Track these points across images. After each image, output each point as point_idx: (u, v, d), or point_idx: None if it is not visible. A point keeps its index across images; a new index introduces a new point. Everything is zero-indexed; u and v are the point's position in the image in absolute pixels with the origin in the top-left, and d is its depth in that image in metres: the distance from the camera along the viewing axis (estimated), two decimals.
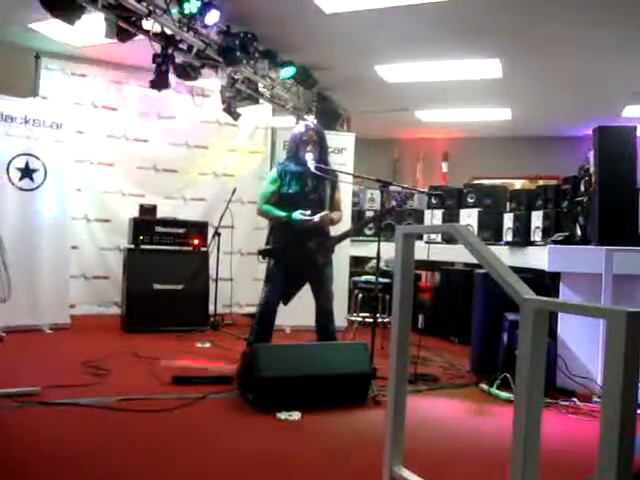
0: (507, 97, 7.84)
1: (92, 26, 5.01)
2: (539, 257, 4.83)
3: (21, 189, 5.86)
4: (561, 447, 3.19)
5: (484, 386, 4.39)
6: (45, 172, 5.98)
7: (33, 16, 5.45)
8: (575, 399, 4.07)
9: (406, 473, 2.29)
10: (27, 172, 5.88)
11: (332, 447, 3.11)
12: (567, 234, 4.82)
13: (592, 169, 4.54)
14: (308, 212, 4.19)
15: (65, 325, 6.08)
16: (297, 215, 4.17)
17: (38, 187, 5.96)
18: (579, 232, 4.71)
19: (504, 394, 4.14)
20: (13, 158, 5.81)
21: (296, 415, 3.52)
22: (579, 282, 4.44)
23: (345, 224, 5.13)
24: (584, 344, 4.36)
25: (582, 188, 4.88)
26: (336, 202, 4.50)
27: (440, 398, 4.23)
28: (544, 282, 4.75)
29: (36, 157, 5.94)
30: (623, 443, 1.37)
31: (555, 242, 4.76)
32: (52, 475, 2.55)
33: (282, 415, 3.50)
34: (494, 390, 4.25)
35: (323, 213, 4.24)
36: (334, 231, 4.54)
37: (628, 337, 1.36)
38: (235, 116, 6.69)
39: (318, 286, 4.39)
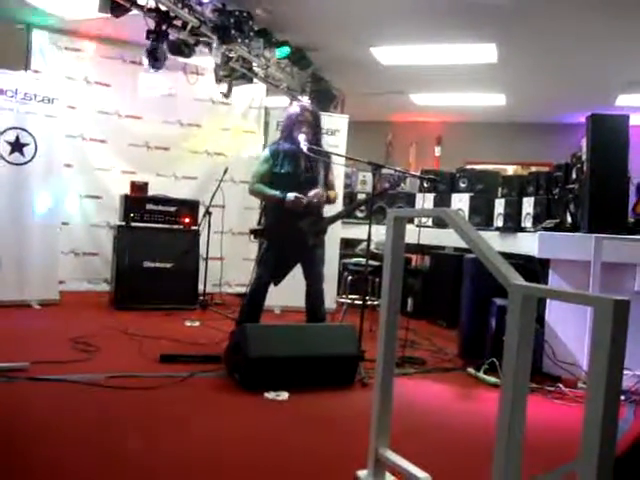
0: (502, 83, 7.83)
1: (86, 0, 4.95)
2: (529, 243, 4.85)
3: (11, 163, 5.81)
4: (546, 432, 3.22)
5: (471, 370, 4.43)
6: (36, 147, 5.93)
7: None
8: (561, 385, 4.11)
9: (392, 455, 2.31)
10: (17, 146, 5.83)
11: (319, 428, 3.14)
12: (557, 221, 4.85)
13: (584, 157, 4.55)
14: (301, 196, 4.17)
15: (54, 301, 6.07)
16: (291, 195, 4.15)
17: (28, 162, 5.91)
18: (569, 219, 4.74)
19: (491, 378, 4.18)
20: (3, 131, 5.76)
21: (284, 395, 3.54)
22: (568, 269, 4.47)
23: (337, 206, 5.12)
24: (571, 330, 4.40)
25: (574, 175, 4.89)
26: (330, 183, 4.49)
27: (427, 381, 4.26)
28: (533, 268, 4.78)
29: (27, 131, 5.89)
30: (606, 428, 1.39)
31: (545, 229, 4.78)
32: (39, 450, 2.56)
33: (269, 395, 3.52)
34: (481, 375, 4.29)
35: (316, 190, 4.23)
36: (326, 213, 4.53)
37: (614, 325, 1.38)
38: (227, 95, 6.65)
39: (309, 267, 4.39)
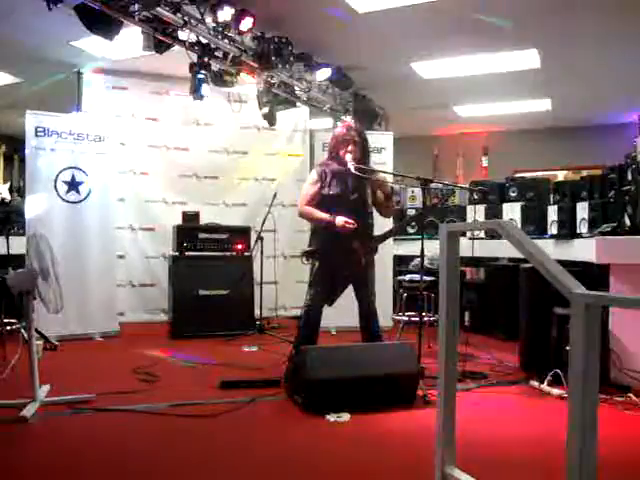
0: (546, 87, 7.70)
1: (130, 39, 5.11)
2: (586, 249, 4.72)
3: (68, 202, 6.01)
4: (619, 445, 3.11)
5: (534, 383, 4.32)
6: (90, 184, 6.12)
7: (73, 34, 5.59)
8: (631, 394, 3.97)
9: (458, 473, 2.27)
10: (73, 185, 6.04)
11: (382, 448, 3.10)
12: (615, 225, 4.71)
13: (639, 157, 4.43)
14: (351, 221, 4.15)
15: (115, 333, 6.22)
16: (340, 220, 4.14)
17: (84, 199, 6.11)
18: (628, 222, 4.60)
19: (555, 390, 4.07)
20: (60, 172, 5.97)
21: (345, 417, 3.52)
22: (630, 273, 4.33)
23: (387, 223, 5.09)
24: (638, 337, 4.25)
25: (629, 176, 4.76)
26: (381, 183, 4.41)
27: (490, 396, 4.17)
28: (592, 275, 4.65)
29: (81, 170, 6.09)
30: None
31: (603, 233, 4.65)
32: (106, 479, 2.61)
33: (331, 417, 3.51)
34: (545, 387, 4.18)
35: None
36: (377, 230, 4.50)
37: None
38: (272, 121, 6.74)
39: (361, 287, 4.36)
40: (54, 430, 3.28)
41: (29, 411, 3.38)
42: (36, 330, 4.28)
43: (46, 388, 3.81)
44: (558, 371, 4.12)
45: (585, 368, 1.64)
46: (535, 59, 6.51)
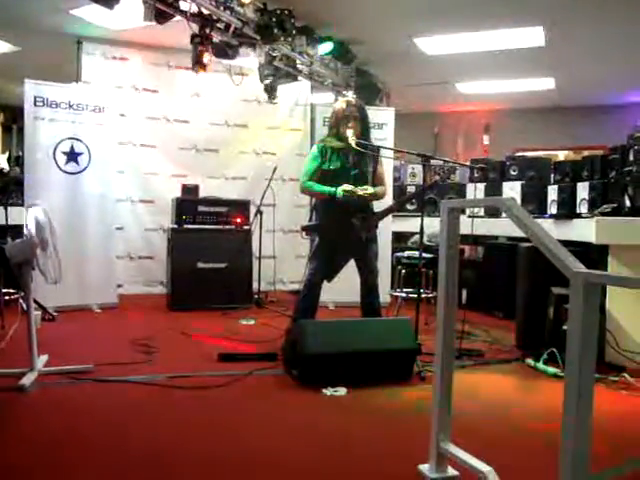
0: (550, 66, 7.63)
1: (131, 9, 5.04)
2: (586, 230, 4.72)
3: (67, 172, 5.98)
4: (613, 424, 3.14)
5: (530, 361, 4.35)
6: (89, 155, 6.09)
7: (73, 2, 5.52)
8: (626, 374, 3.99)
9: (453, 448, 2.29)
10: (72, 156, 6.00)
11: (378, 422, 3.13)
12: (615, 205, 4.70)
13: None
14: (351, 186, 4.15)
15: (113, 304, 6.23)
16: (341, 190, 4.14)
17: (83, 170, 6.08)
18: (628, 203, 4.59)
19: (551, 369, 4.09)
20: (59, 143, 5.93)
21: (342, 391, 3.55)
22: (628, 254, 4.34)
23: (387, 200, 5.08)
24: (635, 318, 4.27)
25: (631, 157, 4.73)
26: (379, 175, 4.45)
27: (486, 374, 4.21)
28: (591, 255, 4.66)
29: (80, 141, 6.05)
30: None
31: (603, 214, 4.64)
32: (106, 448, 2.63)
33: (328, 391, 3.54)
34: (541, 365, 4.21)
35: (366, 188, 4.20)
36: (378, 206, 4.50)
37: None
38: (273, 96, 6.70)
39: (363, 262, 4.37)
40: (52, 399, 3.31)
41: (28, 379, 3.40)
42: (34, 300, 4.29)
43: (44, 358, 3.83)
44: (554, 350, 4.14)
45: (582, 347, 1.64)
46: (540, 37, 6.44)
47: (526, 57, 7.16)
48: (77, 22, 6.24)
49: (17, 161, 7.52)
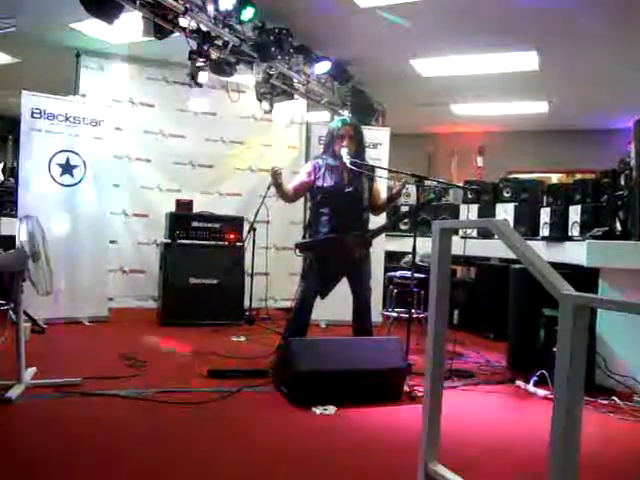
0: (544, 89, 7.72)
1: (130, 24, 5.08)
2: (577, 252, 4.75)
3: (62, 184, 5.98)
4: (602, 447, 3.14)
5: (520, 383, 4.35)
6: (85, 168, 6.10)
7: (73, 16, 5.55)
8: (615, 398, 4.00)
9: (442, 469, 2.28)
10: (68, 168, 6.00)
11: (367, 442, 3.12)
12: (606, 229, 4.73)
13: (633, 162, 4.45)
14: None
15: (104, 318, 6.20)
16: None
17: (78, 183, 6.07)
18: (619, 227, 4.63)
19: (541, 391, 4.10)
20: (54, 155, 5.93)
21: (331, 409, 3.54)
22: (619, 278, 4.36)
23: (381, 219, 5.10)
24: (625, 341, 4.28)
25: (622, 182, 4.78)
26: (376, 193, 4.47)
27: (476, 394, 4.20)
28: (581, 278, 4.68)
29: (76, 153, 6.06)
30: None
31: (594, 237, 4.67)
32: (92, 463, 2.61)
33: (317, 409, 3.52)
34: (531, 387, 4.21)
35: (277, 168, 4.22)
36: (370, 225, 4.51)
37: None
38: (269, 110, 6.74)
39: (356, 281, 4.36)
40: (39, 412, 3.28)
41: (15, 392, 3.38)
42: (24, 312, 4.26)
43: (32, 370, 3.80)
44: (544, 372, 4.14)
45: (571, 369, 1.65)
46: (534, 61, 6.52)
47: (520, 81, 7.24)
48: (77, 36, 6.28)
49: (12, 172, 7.52)
